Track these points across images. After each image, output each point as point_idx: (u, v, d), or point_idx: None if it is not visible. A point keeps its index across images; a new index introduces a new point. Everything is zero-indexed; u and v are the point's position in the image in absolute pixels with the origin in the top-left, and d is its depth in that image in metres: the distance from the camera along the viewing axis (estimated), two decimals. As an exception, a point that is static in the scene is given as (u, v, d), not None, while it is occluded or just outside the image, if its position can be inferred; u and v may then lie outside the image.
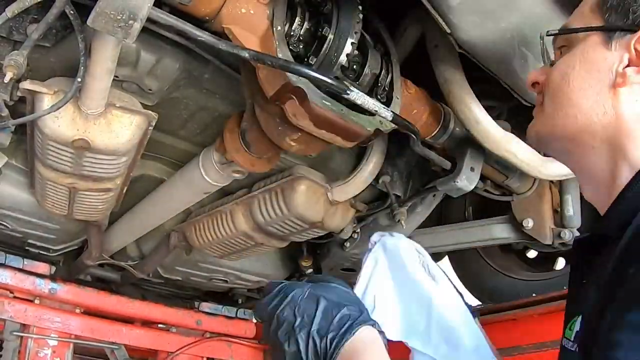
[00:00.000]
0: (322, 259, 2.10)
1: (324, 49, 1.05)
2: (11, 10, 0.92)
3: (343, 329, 0.80)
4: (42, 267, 2.08)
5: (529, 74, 0.96)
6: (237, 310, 2.58)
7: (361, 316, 0.83)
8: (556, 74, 0.87)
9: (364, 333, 0.81)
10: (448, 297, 1.17)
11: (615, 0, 0.81)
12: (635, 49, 0.78)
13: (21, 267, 2.04)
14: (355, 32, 1.05)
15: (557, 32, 0.90)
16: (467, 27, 1.04)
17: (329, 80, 1.00)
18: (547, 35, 0.92)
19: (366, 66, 1.14)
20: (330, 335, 0.79)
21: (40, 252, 2.16)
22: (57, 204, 1.57)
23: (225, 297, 2.72)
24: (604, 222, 0.81)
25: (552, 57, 0.93)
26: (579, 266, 0.90)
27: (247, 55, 0.99)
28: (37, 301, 2.02)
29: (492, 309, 1.95)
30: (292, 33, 1.07)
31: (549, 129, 0.88)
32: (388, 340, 0.85)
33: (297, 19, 1.08)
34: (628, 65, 0.78)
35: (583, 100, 0.81)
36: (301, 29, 1.08)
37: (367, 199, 1.78)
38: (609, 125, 0.79)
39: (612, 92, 0.79)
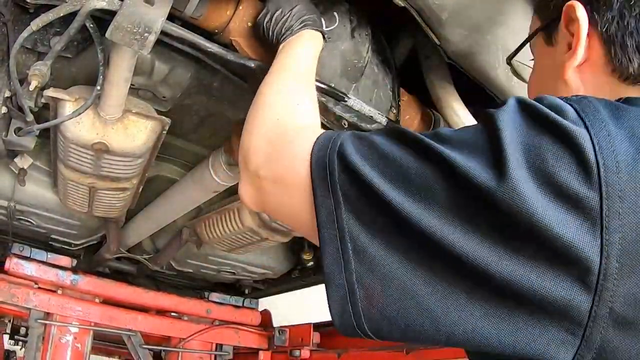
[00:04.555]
0: (323, 252, 2.09)
1: None
2: (36, 24, 0.92)
3: (292, 28, 0.92)
4: (65, 260, 2.09)
5: None
6: (243, 300, 2.59)
7: (312, 22, 0.93)
8: (528, 89, 0.83)
9: (307, 34, 0.92)
10: None
11: (540, 2, 0.78)
12: (569, 31, 0.69)
13: (45, 260, 2.04)
14: (367, 51, 1.05)
15: (513, 53, 0.86)
16: (455, 39, 1.04)
17: (329, 88, 1.00)
18: (510, 60, 0.88)
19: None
20: (285, 25, 0.92)
21: (63, 246, 2.17)
22: (78, 202, 1.57)
23: (232, 287, 2.73)
24: None
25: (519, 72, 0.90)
26: None
27: (253, 65, 0.99)
28: (59, 291, 2.02)
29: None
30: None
31: None
32: None
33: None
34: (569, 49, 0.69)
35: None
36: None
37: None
38: None
39: (563, 82, 0.70)
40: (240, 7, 1.00)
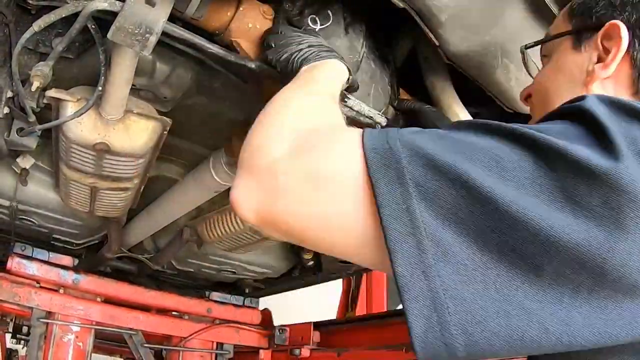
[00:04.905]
0: (322, 252, 2.09)
1: None
2: (38, 25, 0.92)
3: (318, 56, 0.87)
4: (66, 260, 2.08)
5: (520, 93, 0.91)
6: (244, 299, 2.59)
7: (334, 55, 0.89)
8: (537, 84, 0.85)
9: (332, 62, 0.87)
10: None
11: (580, 5, 0.79)
12: (602, 45, 0.73)
13: (47, 259, 2.04)
14: (362, 46, 1.05)
15: (532, 44, 0.88)
16: (454, 41, 1.04)
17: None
18: (526, 49, 0.90)
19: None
20: (312, 52, 0.88)
21: (65, 245, 2.17)
22: (79, 202, 1.57)
23: (233, 287, 2.72)
24: None
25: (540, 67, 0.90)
26: None
27: (253, 66, 0.99)
28: (61, 291, 2.02)
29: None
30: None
31: None
32: None
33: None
34: (597, 63, 0.73)
35: (560, 102, 0.71)
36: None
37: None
38: None
39: (584, 90, 0.73)
40: (241, 8, 1.00)
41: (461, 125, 0.55)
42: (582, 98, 0.55)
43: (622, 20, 0.72)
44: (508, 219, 0.46)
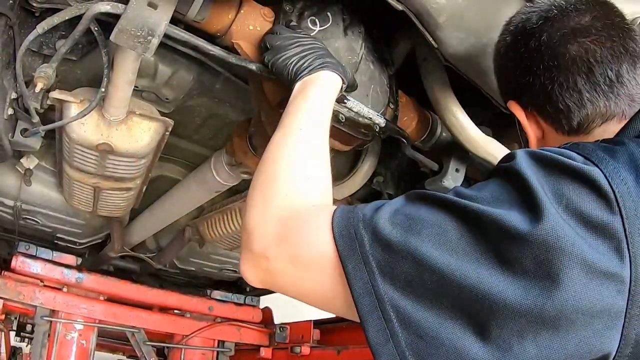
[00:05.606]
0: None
1: None
2: (41, 27, 0.92)
3: (311, 67, 0.89)
4: (70, 259, 2.09)
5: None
6: (245, 298, 2.59)
7: (326, 64, 0.91)
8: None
9: (323, 75, 0.89)
10: None
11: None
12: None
13: (51, 258, 2.04)
14: (361, 48, 1.05)
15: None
16: (452, 43, 1.04)
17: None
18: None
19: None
20: (304, 63, 0.90)
21: (68, 245, 2.17)
22: (83, 202, 1.57)
23: (234, 285, 2.73)
24: None
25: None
26: None
27: (254, 67, 0.99)
28: (65, 289, 2.02)
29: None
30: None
31: None
32: None
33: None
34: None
35: None
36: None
37: (362, 198, 1.78)
38: None
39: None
40: (242, 11, 1.00)
41: (413, 198, 0.62)
42: (513, 157, 0.61)
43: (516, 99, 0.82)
44: (454, 285, 0.53)
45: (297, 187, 0.72)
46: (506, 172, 0.60)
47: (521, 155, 0.60)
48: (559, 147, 0.64)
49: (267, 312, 2.61)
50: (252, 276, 0.70)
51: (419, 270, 0.55)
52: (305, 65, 0.90)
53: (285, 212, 0.69)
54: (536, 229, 0.52)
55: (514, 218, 0.54)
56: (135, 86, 1.08)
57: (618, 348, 0.54)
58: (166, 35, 0.90)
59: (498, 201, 0.57)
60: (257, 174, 0.77)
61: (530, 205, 0.55)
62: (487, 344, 0.52)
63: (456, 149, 1.39)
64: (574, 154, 0.60)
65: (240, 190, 1.76)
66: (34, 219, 1.84)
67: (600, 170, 0.57)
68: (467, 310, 0.53)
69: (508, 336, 0.51)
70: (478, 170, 1.57)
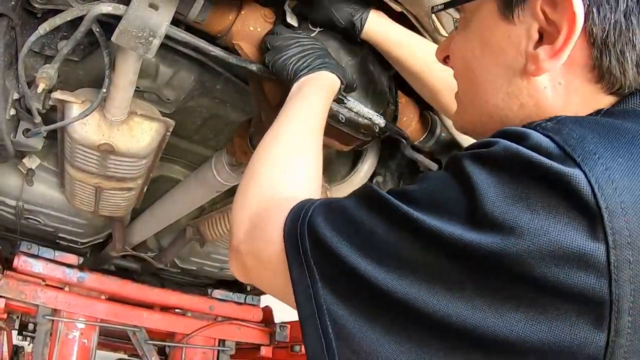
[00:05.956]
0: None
1: None
2: (43, 28, 0.92)
3: (310, 66, 0.88)
4: (71, 258, 2.09)
5: (436, 49, 0.72)
6: (245, 297, 2.59)
7: (325, 64, 0.89)
8: (458, 56, 0.65)
9: (321, 75, 0.88)
10: None
11: None
12: (543, 12, 0.52)
13: (52, 258, 2.04)
14: (360, 49, 1.05)
15: (441, 6, 0.67)
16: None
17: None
18: (433, 12, 0.77)
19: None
20: (303, 63, 0.89)
21: (70, 244, 2.17)
22: (84, 202, 1.57)
23: (235, 284, 2.72)
24: None
25: (441, 28, 0.82)
26: None
27: (254, 68, 0.99)
28: (66, 289, 2.02)
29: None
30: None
31: (467, 125, 0.68)
32: None
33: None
34: (540, 42, 0.54)
35: (494, 96, 0.58)
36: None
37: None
38: (530, 117, 0.55)
39: (525, 80, 0.55)
40: (242, 12, 1.00)
41: (357, 197, 0.55)
42: (492, 144, 0.47)
43: None
44: (390, 301, 0.46)
45: (273, 181, 0.70)
46: (455, 166, 0.48)
47: (493, 148, 0.46)
48: (534, 124, 0.49)
49: (267, 311, 2.61)
50: (234, 270, 0.70)
51: (354, 282, 0.49)
52: (304, 65, 0.89)
53: (257, 206, 0.67)
54: (479, 246, 0.42)
55: (454, 230, 0.44)
56: (136, 87, 1.08)
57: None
58: (167, 36, 0.90)
59: (440, 206, 0.47)
60: (245, 170, 0.76)
61: (472, 217, 0.44)
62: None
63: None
64: (550, 144, 0.44)
65: (240, 190, 1.76)
66: (36, 218, 1.84)
67: (584, 173, 0.41)
68: (403, 325, 0.46)
69: (448, 352, 0.44)
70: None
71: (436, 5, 0.70)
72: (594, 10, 0.51)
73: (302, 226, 0.57)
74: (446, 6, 0.66)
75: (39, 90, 1.01)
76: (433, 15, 0.84)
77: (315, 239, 0.54)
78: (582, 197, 0.41)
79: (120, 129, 1.19)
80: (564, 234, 0.40)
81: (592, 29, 0.51)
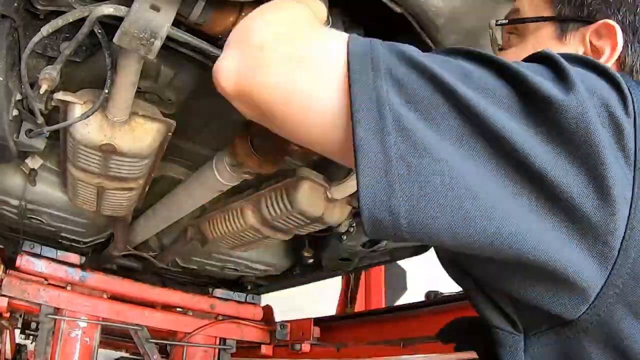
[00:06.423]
0: (322, 250, 2.10)
1: None
2: (46, 30, 0.92)
3: None
4: (73, 258, 2.09)
5: None
6: (246, 296, 2.59)
7: None
8: None
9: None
10: None
11: None
12: (590, 42, 0.68)
13: (55, 257, 2.05)
14: None
15: (507, 22, 0.80)
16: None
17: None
18: (497, 25, 0.82)
19: None
20: None
21: (72, 244, 2.17)
22: (86, 201, 1.57)
23: (236, 284, 2.72)
24: None
25: (500, 41, 0.84)
26: None
27: (255, 69, 0.99)
28: (69, 288, 2.02)
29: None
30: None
31: None
32: None
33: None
34: None
35: None
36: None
37: (362, 197, 1.78)
38: None
39: None
40: (243, 14, 1.00)
41: (447, 50, 0.57)
42: (542, 51, 0.57)
43: (616, 21, 0.68)
44: (475, 118, 0.48)
45: (301, 13, 0.65)
46: (539, 57, 0.56)
47: (549, 50, 0.56)
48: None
49: (267, 310, 2.61)
50: (228, 71, 0.62)
51: (434, 88, 0.48)
52: None
53: (289, 18, 0.62)
54: (566, 99, 0.49)
55: (547, 84, 0.50)
56: (138, 87, 1.08)
57: (610, 272, 0.50)
58: (169, 38, 0.90)
59: (535, 72, 0.52)
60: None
61: (561, 80, 0.51)
62: (487, 181, 0.47)
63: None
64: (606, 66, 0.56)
65: (241, 190, 1.76)
66: (38, 218, 1.84)
67: (627, 87, 0.53)
68: (477, 143, 0.48)
69: (506, 184, 0.48)
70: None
71: (500, 20, 0.81)
72: (628, 44, 0.67)
73: (374, 43, 0.53)
74: (512, 22, 0.78)
75: (42, 91, 1.01)
76: (494, 29, 0.86)
77: (395, 50, 0.52)
78: (623, 91, 0.52)
79: (122, 130, 1.19)
80: (615, 111, 0.51)
81: (624, 58, 0.68)
